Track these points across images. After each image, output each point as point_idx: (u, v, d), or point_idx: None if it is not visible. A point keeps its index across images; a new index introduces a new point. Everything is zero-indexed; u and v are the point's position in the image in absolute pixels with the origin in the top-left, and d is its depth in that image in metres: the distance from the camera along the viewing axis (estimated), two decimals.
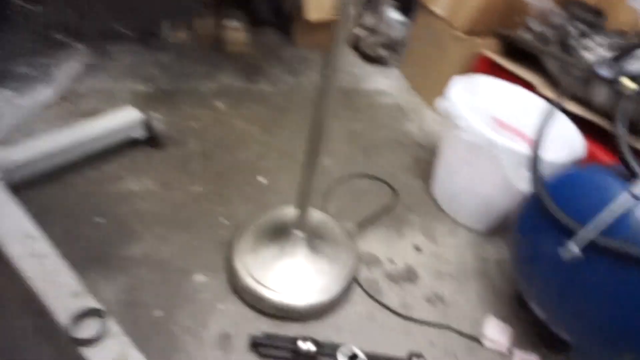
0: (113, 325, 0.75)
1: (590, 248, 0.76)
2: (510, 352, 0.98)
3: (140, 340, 0.82)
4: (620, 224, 0.76)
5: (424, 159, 1.48)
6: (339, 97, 1.72)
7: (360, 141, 1.52)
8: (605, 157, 1.19)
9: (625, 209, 0.75)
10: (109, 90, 1.52)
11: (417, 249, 1.20)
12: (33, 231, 0.85)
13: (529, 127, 1.19)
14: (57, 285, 0.77)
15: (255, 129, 1.49)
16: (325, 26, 1.79)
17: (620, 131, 0.81)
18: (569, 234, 0.79)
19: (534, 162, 0.91)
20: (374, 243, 1.19)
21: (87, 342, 0.71)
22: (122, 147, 1.31)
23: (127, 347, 0.73)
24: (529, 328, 1.04)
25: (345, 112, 1.64)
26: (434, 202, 1.34)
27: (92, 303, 0.76)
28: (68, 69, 1.54)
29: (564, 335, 0.90)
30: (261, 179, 1.32)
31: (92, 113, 1.39)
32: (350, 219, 1.23)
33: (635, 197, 0.75)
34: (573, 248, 0.77)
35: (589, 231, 0.76)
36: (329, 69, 0.71)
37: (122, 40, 1.75)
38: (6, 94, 1.39)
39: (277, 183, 1.31)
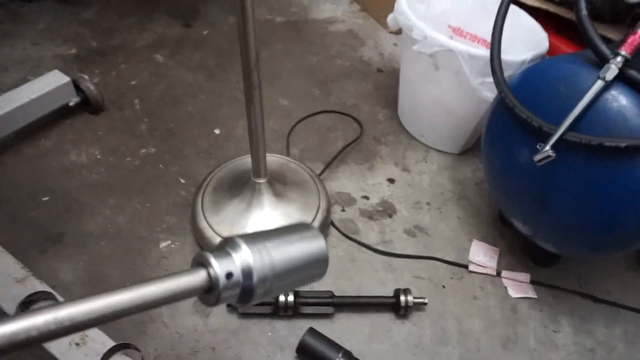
0: None
1: (564, 147, 0.71)
2: (498, 274, 0.97)
3: None
4: (593, 114, 0.71)
5: (386, 85, 1.40)
6: (288, 30, 1.60)
7: (316, 75, 1.43)
8: (569, 49, 1.13)
9: (596, 96, 0.70)
10: (31, 58, 1.37)
11: (391, 181, 1.15)
12: None
13: (488, 33, 1.11)
14: None
15: (201, 78, 1.37)
16: None
17: (583, 12, 0.74)
18: (539, 134, 0.74)
19: (494, 62, 0.84)
20: (345, 181, 1.13)
21: None
22: (58, 118, 1.19)
23: None
24: (514, 246, 1.02)
25: (297, 47, 1.52)
26: (402, 129, 1.28)
27: (39, 286, 0.69)
28: None
29: (549, 247, 0.88)
30: (216, 130, 1.23)
31: (18, 85, 1.25)
32: (317, 159, 1.16)
33: (606, 82, 0.69)
34: (545, 150, 0.72)
35: (561, 129, 0.71)
36: None
37: None
38: None
39: (234, 132, 1.22)
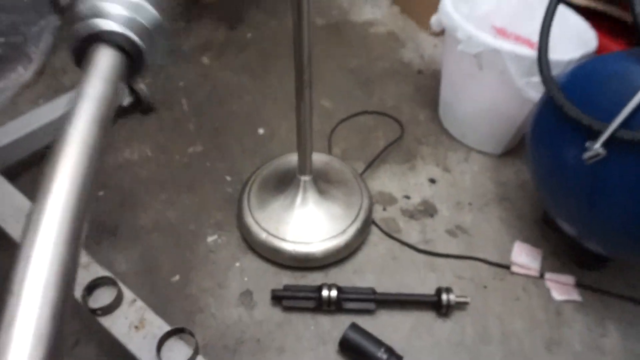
0: (127, 292, 0.73)
1: (615, 145, 0.70)
2: (542, 275, 0.95)
3: (161, 305, 0.81)
4: None
5: (427, 87, 1.40)
6: (329, 33, 1.63)
7: (358, 77, 1.44)
8: (618, 47, 1.10)
9: None
10: None
11: (432, 181, 1.15)
12: None
13: (533, 33, 1.10)
14: None
15: (246, 79, 1.41)
16: None
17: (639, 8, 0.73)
18: (589, 133, 0.73)
19: (542, 59, 0.84)
20: (387, 180, 1.15)
21: (104, 311, 0.69)
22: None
23: (144, 311, 0.71)
24: (558, 249, 1.00)
25: (338, 49, 1.54)
26: (443, 130, 1.28)
27: (102, 272, 0.74)
28: (43, 43, 1.46)
29: (596, 248, 0.87)
30: (260, 130, 1.26)
31: (75, 87, 1.33)
32: (359, 158, 1.18)
33: None
34: (595, 147, 0.71)
35: (613, 126, 0.70)
36: None
37: None
38: None
39: (277, 131, 1.25)
